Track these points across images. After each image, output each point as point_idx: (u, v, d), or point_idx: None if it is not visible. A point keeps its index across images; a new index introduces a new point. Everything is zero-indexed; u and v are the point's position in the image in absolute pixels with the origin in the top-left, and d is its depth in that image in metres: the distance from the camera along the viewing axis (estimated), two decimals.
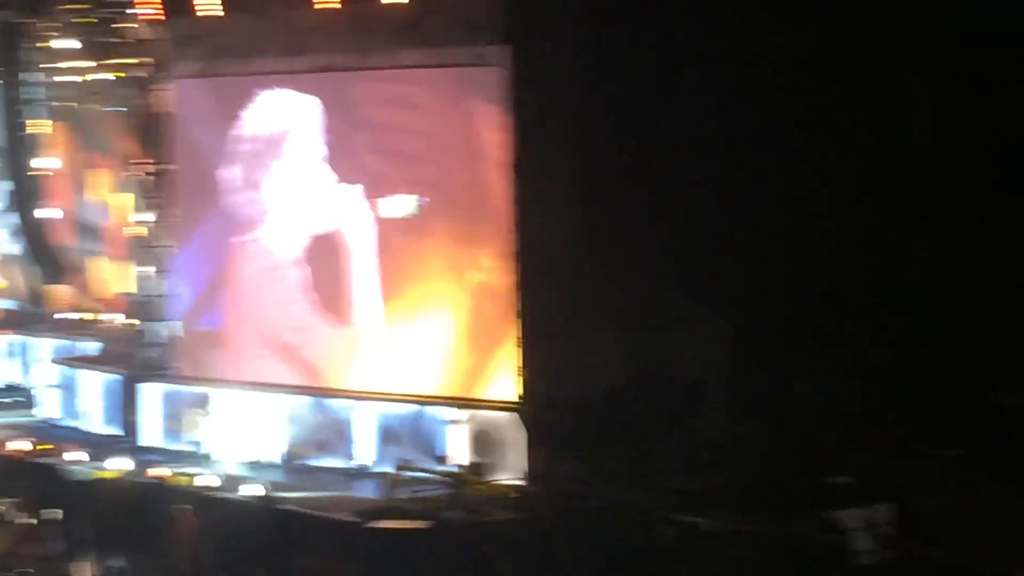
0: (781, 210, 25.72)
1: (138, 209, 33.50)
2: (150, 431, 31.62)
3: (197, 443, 30.52)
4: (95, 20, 34.32)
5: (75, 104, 38.17)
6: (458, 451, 27.50)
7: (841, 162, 25.33)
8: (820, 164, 25.42)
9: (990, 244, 25.20)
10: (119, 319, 36.79)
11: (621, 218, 26.21)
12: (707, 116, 25.66)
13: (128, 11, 32.50)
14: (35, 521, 27.34)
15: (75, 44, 34.77)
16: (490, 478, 26.51)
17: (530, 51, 26.41)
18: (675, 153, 26.07)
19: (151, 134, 32.49)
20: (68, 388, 34.13)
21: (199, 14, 30.80)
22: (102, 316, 38.05)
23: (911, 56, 25.26)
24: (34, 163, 33.47)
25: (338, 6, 28.79)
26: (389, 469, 27.81)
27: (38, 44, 33.51)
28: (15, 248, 38.64)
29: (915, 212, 25.65)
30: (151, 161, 32.56)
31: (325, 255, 29.74)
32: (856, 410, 25.41)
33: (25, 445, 31.34)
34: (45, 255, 34.31)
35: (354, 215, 29.29)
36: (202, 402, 30.72)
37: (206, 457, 30.17)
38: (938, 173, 25.22)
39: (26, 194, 33.74)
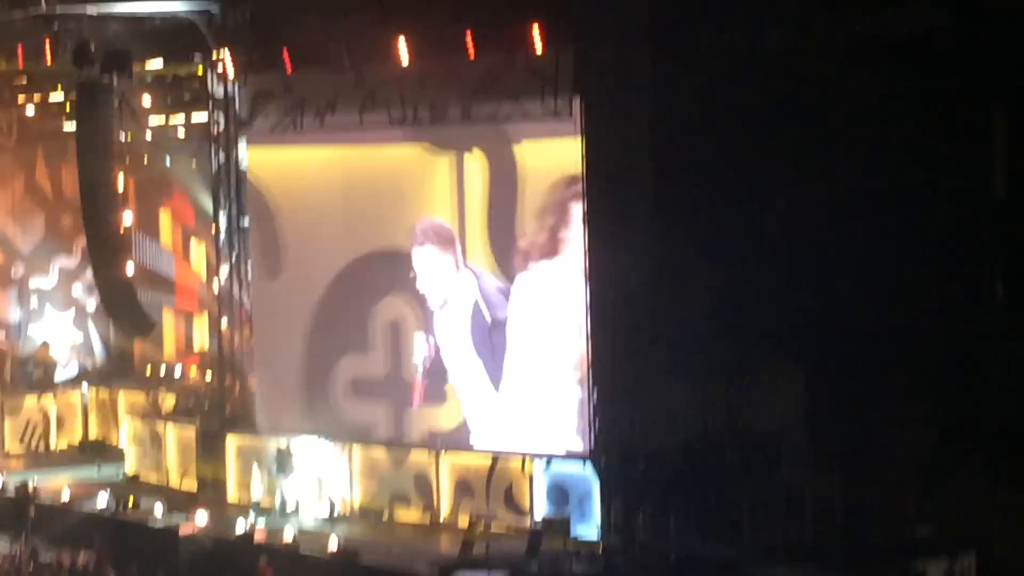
0: (858, 257, 25.56)
1: (213, 263, 33.75)
2: (229, 485, 31.80)
3: (276, 496, 30.64)
4: (171, 77, 34.72)
5: (149, 159, 38.58)
6: (536, 503, 27.50)
7: (919, 209, 25.14)
8: (898, 209, 25.25)
9: None
10: (196, 373, 37.01)
11: (694, 267, 26.11)
12: (782, 163, 25.57)
13: (203, 68, 32.92)
14: (116, 575, 27.49)
15: (149, 100, 35.19)
16: (567, 531, 26.43)
17: (603, 103, 26.44)
18: (748, 201, 25.97)
19: (226, 189, 32.81)
20: (147, 442, 34.39)
21: (273, 70, 31.15)
22: (179, 370, 38.31)
23: (984, 108, 25.10)
24: (109, 218, 33.80)
25: (412, 61, 28.99)
26: (466, 522, 27.82)
27: (115, 100, 33.85)
28: (91, 303, 39.07)
29: (997, 259, 25.42)
30: (226, 215, 32.87)
31: (399, 306, 30.02)
32: (936, 459, 25.14)
33: (107, 499, 31.59)
34: (121, 309, 34.59)
35: (430, 268, 29.55)
36: (280, 455, 30.85)
37: (285, 511, 30.31)
38: (1015, 224, 25.02)
39: (101, 249, 34.04)
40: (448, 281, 29.32)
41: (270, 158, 31.80)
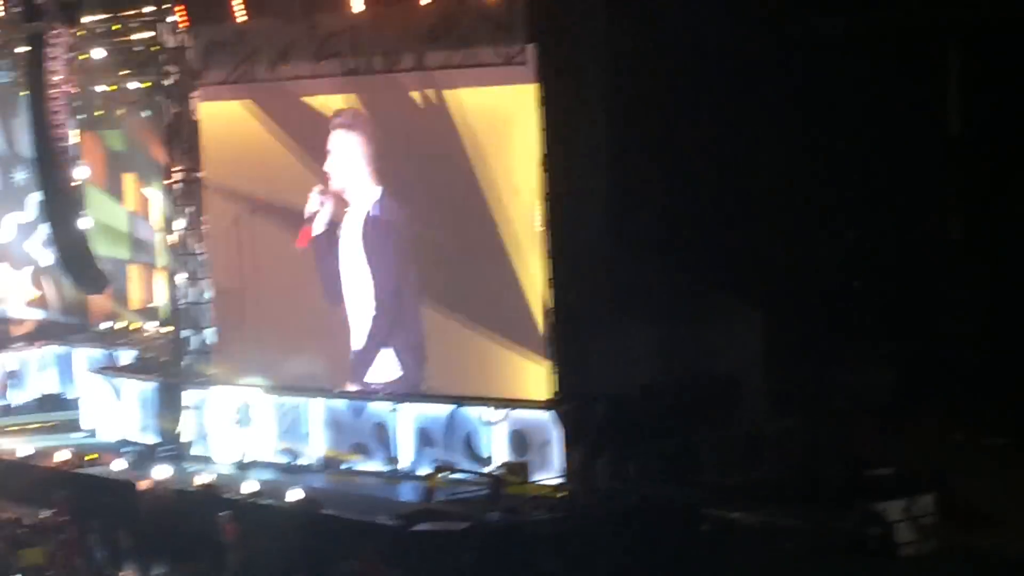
0: (814, 201, 25.66)
1: (170, 216, 33.53)
2: (189, 438, 31.72)
3: (235, 449, 30.58)
4: (122, 28, 34.37)
5: (103, 113, 38.26)
6: (496, 451, 27.52)
7: (873, 152, 25.26)
8: (852, 154, 25.35)
9: None
10: (155, 327, 36.86)
11: (653, 212, 26.18)
12: (737, 109, 25.59)
13: (155, 19, 32.60)
14: (77, 531, 27.39)
15: (103, 53, 34.86)
16: (529, 477, 26.48)
17: (556, 49, 26.38)
18: (705, 147, 26.00)
19: (180, 141, 32.53)
20: (107, 398, 34.23)
21: (226, 21, 30.88)
22: (138, 325, 38.14)
23: (938, 46, 25.15)
24: (62, 172, 33.52)
25: (365, 9, 28.79)
26: (427, 471, 27.83)
27: (65, 54, 33.51)
28: (48, 258, 38.79)
29: (948, 201, 25.56)
30: (181, 168, 32.61)
31: (351, 252, 29.93)
32: (895, 401, 25.32)
33: (66, 455, 31.46)
34: (78, 265, 34.37)
35: (379, 213, 29.43)
36: (239, 408, 30.78)
37: (245, 463, 30.26)
38: (970, 162, 25.12)
39: (57, 204, 33.78)
40: None
41: None
